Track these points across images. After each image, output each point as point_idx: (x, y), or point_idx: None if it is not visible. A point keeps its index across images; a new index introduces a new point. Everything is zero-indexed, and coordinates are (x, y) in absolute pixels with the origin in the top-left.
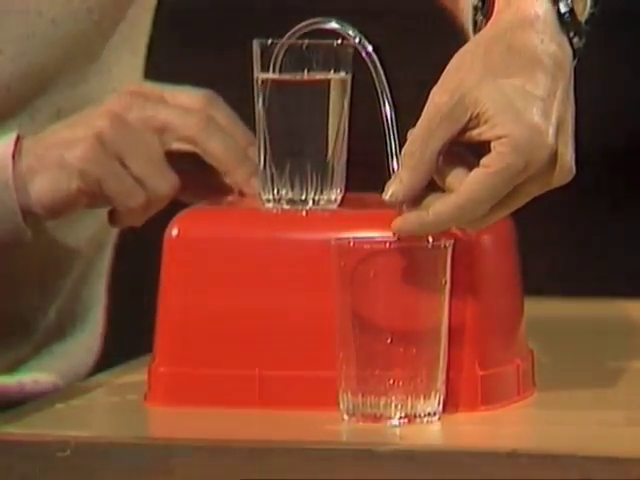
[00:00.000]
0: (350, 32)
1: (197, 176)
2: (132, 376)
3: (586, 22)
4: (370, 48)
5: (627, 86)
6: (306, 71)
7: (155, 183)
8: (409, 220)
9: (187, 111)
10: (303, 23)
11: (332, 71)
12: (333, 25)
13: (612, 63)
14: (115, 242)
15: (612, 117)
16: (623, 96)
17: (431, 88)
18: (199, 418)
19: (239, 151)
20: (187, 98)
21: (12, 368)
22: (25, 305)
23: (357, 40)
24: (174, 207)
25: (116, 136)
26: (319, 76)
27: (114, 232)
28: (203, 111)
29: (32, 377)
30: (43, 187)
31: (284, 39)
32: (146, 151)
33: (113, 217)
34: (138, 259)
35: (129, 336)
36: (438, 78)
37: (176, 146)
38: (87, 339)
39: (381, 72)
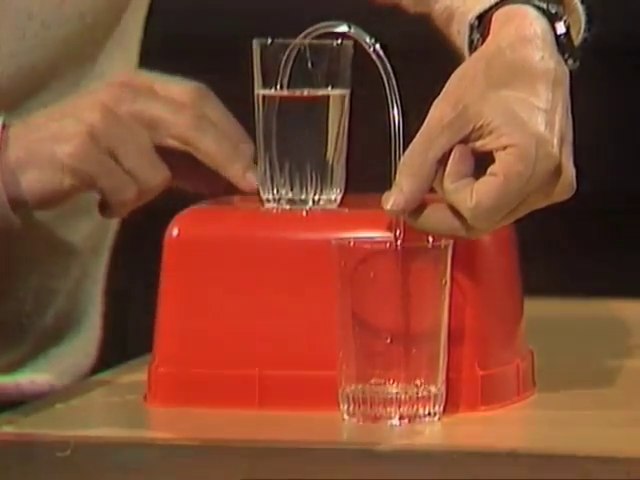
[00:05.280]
0: (362, 36)
1: (191, 165)
2: (132, 376)
3: (578, 47)
4: (381, 51)
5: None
6: (307, 68)
7: (147, 175)
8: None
9: (178, 107)
10: (314, 26)
11: (333, 71)
12: (344, 28)
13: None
14: (111, 246)
15: (610, 118)
16: (620, 98)
17: (437, 91)
18: (199, 418)
19: (232, 147)
20: (178, 91)
21: (8, 370)
22: (21, 308)
23: (368, 42)
24: (174, 207)
25: (107, 130)
26: (319, 92)
27: (110, 234)
28: (194, 107)
29: (29, 378)
30: (35, 182)
31: (296, 41)
32: (137, 144)
33: (103, 209)
34: (138, 259)
35: (129, 336)
36: (444, 82)
37: (170, 143)
38: (84, 343)
39: (391, 75)
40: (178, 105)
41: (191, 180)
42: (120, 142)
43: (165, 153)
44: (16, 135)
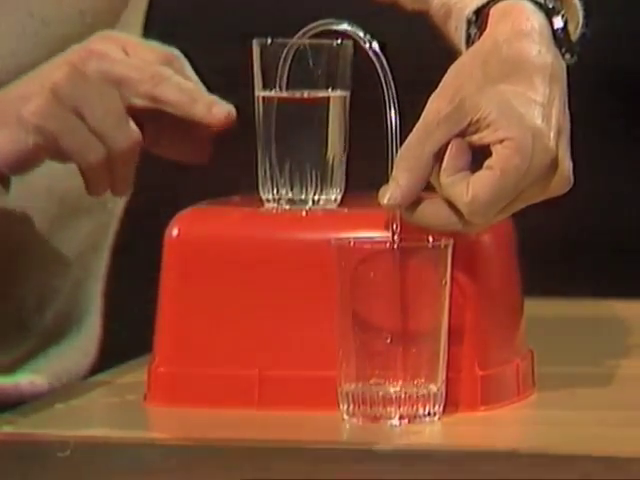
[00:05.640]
0: (359, 34)
1: (167, 129)
2: (132, 376)
3: (576, 42)
4: (378, 49)
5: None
6: (307, 67)
7: (114, 136)
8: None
9: (144, 65)
10: (314, 24)
11: (333, 70)
12: (344, 26)
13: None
14: (111, 245)
15: (609, 120)
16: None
17: (435, 86)
18: (199, 418)
19: (193, 90)
20: (148, 53)
21: (8, 370)
22: (21, 307)
23: (365, 41)
24: (174, 207)
25: (72, 88)
26: (319, 94)
27: (110, 233)
28: (160, 66)
29: (28, 379)
30: (3, 143)
31: (293, 39)
32: (103, 103)
33: (85, 183)
34: (137, 259)
35: (129, 336)
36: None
37: (138, 103)
38: (83, 342)
39: (388, 73)
40: (144, 65)
41: (171, 148)
42: (85, 101)
43: (143, 119)
44: None
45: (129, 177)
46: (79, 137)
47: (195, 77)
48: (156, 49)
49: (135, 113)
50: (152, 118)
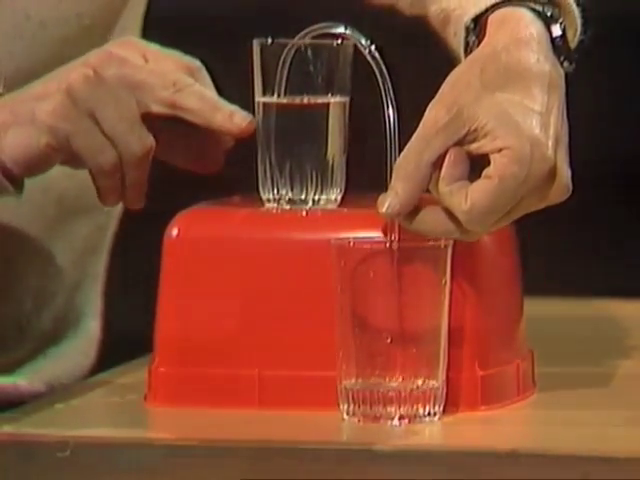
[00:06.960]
0: (357, 37)
1: (182, 139)
2: (132, 376)
3: (575, 49)
4: (376, 52)
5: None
6: (307, 68)
7: (127, 140)
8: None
9: (165, 72)
10: (310, 27)
11: (333, 71)
12: (341, 30)
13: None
14: (110, 247)
15: (610, 117)
16: (621, 99)
17: (434, 92)
18: (199, 418)
19: (213, 100)
20: (168, 61)
21: (8, 371)
22: (20, 309)
23: (363, 44)
24: (174, 207)
25: (88, 91)
26: (319, 100)
27: (109, 235)
28: (181, 74)
29: (27, 380)
30: (15, 142)
31: (293, 41)
32: (118, 108)
33: (97, 190)
34: (137, 259)
35: (129, 336)
36: (441, 82)
37: (156, 109)
38: (82, 344)
39: (386, 76)
40: (165, 72)
41: (184, 157)
42: (100, 104)
43: (157, 127)
44: (5, 102)
45: (141, 186)
46: (91, 139)
47: (214, 90)
48: (177, 58)
49: (150, 121)
50: (166, 127)
